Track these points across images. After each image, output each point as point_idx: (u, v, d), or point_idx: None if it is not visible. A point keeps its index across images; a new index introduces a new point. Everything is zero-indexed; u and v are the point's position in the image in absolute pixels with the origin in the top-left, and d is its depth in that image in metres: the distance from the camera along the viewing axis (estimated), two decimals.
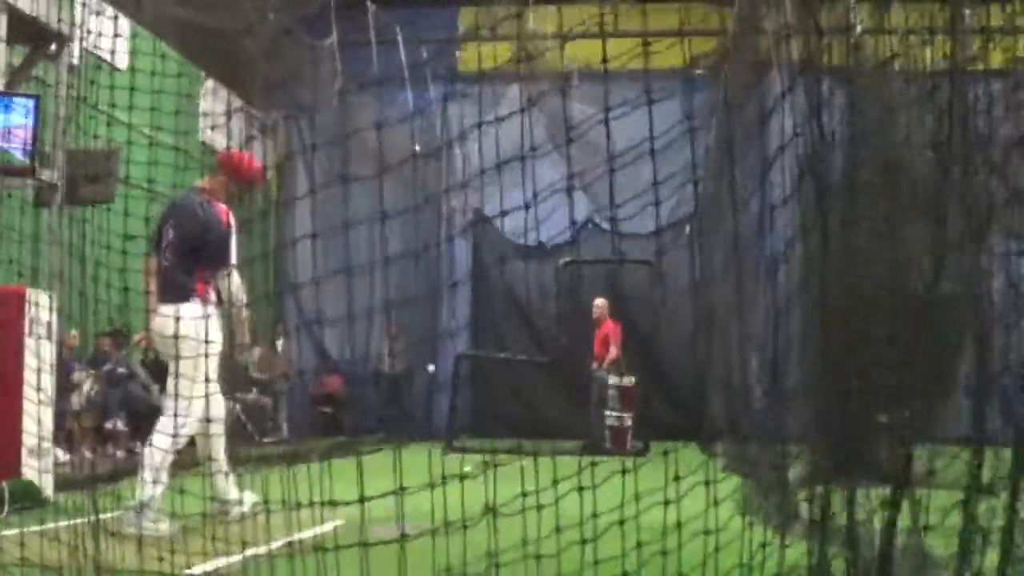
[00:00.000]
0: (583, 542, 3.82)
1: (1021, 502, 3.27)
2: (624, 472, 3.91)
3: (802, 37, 4.20)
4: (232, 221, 6.68)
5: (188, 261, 6.56)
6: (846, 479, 4.00)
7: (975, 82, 3.68)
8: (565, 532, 3.87)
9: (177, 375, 6.32)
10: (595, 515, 3.82)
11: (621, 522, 3.84)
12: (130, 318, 8.42)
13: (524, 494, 3.92)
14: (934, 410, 3.94)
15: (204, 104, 14.99)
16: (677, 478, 3.80)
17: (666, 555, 3.77)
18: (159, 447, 6.25)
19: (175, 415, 6.23)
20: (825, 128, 4.18)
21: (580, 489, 3.94)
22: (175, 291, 6.51)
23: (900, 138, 4.06)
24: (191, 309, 6.33)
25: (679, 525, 3.75)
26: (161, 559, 4.68)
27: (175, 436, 6.28)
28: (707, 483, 3.93)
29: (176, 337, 5.96)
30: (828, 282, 4.44)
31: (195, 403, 6.31)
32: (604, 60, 4.19)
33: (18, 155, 8.44)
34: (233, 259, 6.61)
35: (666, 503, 3.76)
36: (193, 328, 6.09)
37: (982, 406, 3.43)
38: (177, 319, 6.00)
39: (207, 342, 5.99)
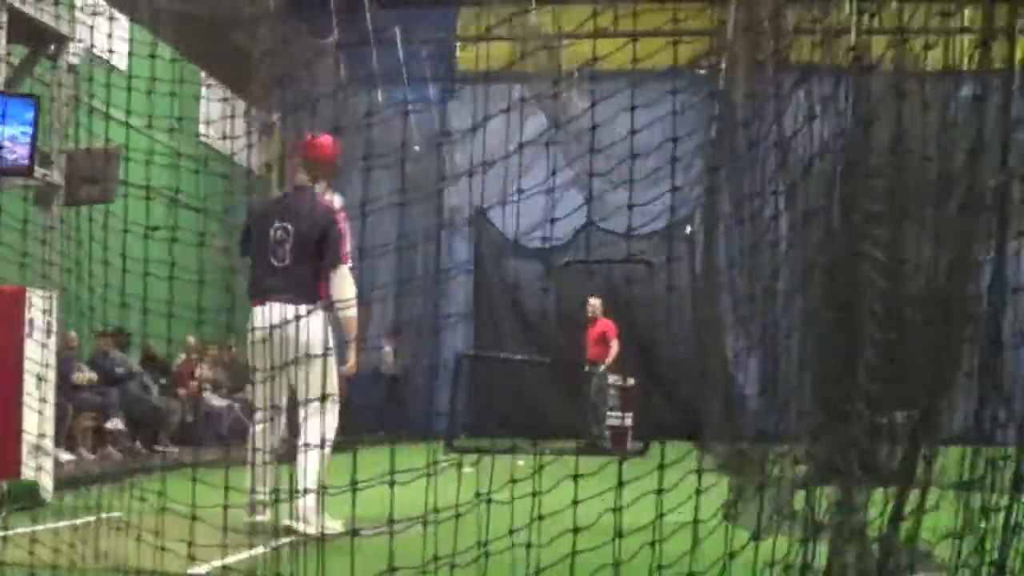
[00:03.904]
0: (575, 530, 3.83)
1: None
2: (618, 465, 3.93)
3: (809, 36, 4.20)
4: (343, 216, 6.75)
5: (311, 261, 6.56)
6: (845, 479, 4.00)
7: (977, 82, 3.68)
8: (549, 524, 3.90)
9: (308, 379, 6.19)
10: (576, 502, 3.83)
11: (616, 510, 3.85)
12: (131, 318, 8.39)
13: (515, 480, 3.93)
14: (937, 410, 3.93)
15: (203, 103, 14.96)
16: (662, 466, 3.80)
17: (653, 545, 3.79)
18: (315, 460, 6.14)
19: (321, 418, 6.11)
20: (827, 126, 4.18)
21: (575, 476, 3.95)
22: (300, 292, 6.46)
23: (909, 136, 4.05)
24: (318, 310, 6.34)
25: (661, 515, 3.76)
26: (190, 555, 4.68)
27: (324, 444, 6.06)
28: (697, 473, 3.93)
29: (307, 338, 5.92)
30: (831, 282, 4.44)
31: (331, 404, 6.22)
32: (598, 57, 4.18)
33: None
34: (347, 256, 6.67)
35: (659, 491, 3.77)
36: (322, 329, 6.03)
37: (984, 405, 3.43)
38: (298, 319, 5.85)
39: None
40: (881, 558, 3.64)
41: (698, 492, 3.86)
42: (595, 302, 15.41)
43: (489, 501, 3.91)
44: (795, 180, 4.39)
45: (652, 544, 3.80)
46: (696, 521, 3.80)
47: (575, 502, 3.91)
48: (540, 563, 3.87)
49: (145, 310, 6.52)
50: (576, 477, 4.02)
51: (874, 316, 3.89)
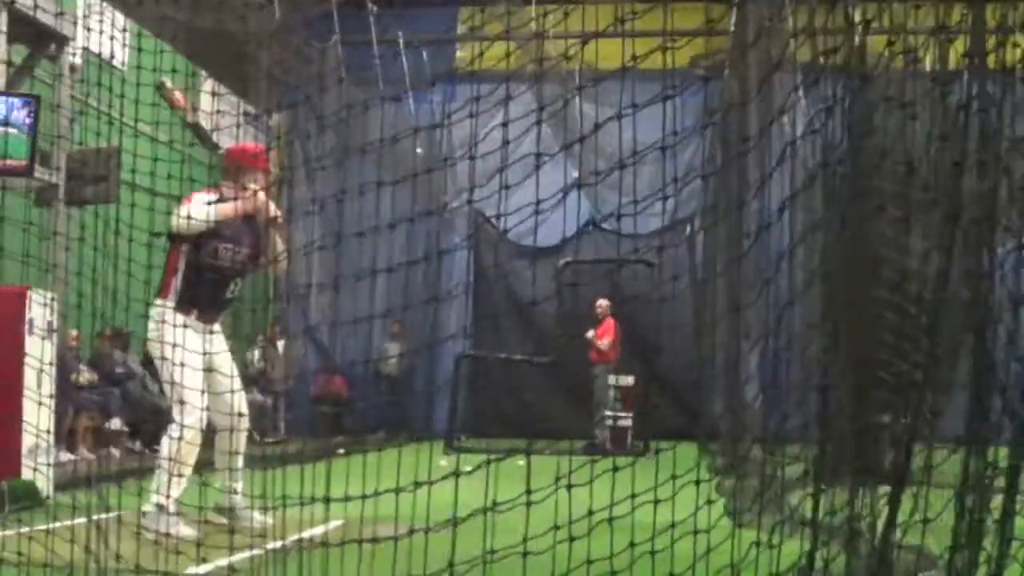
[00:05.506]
0: (572, 539, 3.82)
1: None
2: (616, 470, 3.92)
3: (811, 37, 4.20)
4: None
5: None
6: (846, 479, 3.99)
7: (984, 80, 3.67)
8: (559, 530, 3.88)
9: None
10: (591, 512, 3.83)
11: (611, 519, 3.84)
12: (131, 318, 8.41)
13: (529, 490, 3.91)
14: (936, 410, 3.93)
15: (204, 104, 14.95)
16: (675, 477, 3.80)
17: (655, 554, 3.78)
18: (166, 450, 6.32)
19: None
20: (835, 128, 4.18)
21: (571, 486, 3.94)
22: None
23: (906, 137, 4.05)
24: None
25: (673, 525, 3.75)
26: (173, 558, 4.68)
27: (180, 439, 6.25)
28: (698, 483, 3.93)
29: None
30: (833, 281, 4.43)
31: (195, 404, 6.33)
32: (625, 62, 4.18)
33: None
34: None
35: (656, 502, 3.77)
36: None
37: (982, 405, 3.42)
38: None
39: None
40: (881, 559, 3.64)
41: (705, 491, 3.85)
42: (603, 303, 15.44)
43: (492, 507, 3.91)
44: (801, 181, 4.39)
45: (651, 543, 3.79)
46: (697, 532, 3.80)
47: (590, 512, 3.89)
48: (541, 565, 3.87)
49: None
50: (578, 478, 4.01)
51: (874, 316, 3.89)
